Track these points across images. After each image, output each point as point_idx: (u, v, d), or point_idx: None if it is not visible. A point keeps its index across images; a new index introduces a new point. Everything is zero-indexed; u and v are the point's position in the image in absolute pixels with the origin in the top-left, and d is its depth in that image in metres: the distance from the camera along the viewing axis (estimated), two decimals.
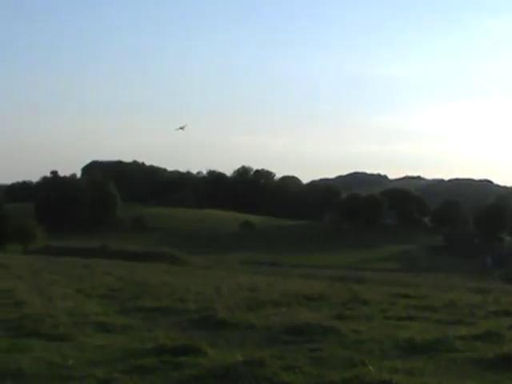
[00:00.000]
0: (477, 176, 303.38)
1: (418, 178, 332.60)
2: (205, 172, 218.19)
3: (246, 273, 43.51)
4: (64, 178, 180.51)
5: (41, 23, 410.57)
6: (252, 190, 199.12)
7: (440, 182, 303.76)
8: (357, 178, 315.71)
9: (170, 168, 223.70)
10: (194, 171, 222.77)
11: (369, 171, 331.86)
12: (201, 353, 10.28)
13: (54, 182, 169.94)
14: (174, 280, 27.81)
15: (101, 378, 8.81)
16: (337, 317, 15.39)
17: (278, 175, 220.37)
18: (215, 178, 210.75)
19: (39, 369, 9.20)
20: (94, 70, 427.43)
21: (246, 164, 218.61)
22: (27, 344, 11.12)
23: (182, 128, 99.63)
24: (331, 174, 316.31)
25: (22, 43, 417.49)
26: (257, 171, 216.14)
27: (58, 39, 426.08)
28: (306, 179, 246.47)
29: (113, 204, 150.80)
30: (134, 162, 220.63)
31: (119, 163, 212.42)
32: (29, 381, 8.71)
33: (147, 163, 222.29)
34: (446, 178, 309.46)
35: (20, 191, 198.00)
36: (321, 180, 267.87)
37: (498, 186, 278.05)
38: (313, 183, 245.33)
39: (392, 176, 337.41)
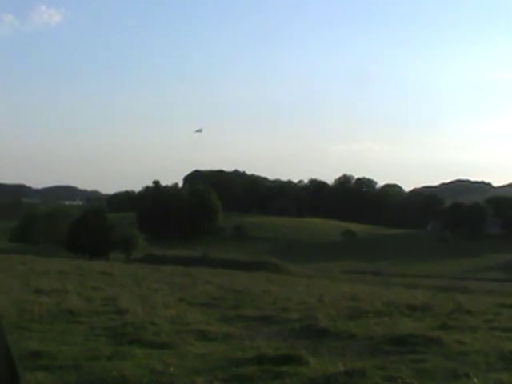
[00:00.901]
0: None
1: None
2: (306, 181, 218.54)
3: (347, 282, 43.16)
4: (166, 187, 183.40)
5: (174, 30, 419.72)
6: (353, 199, 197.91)
7: None
8: (460, 186, 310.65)
9: (271, 177, 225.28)
10: (295, 180, 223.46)
11: (472, 178, 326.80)
12: (302, 362, 10.14)
13: (155, 192, 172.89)
14: (275, 289, 27.74)
15: None
16: (440, 327, 15.00)
17: (380, 183, 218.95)
18: (316, 186, 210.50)
19: (141, 375, 9.24)
20: (198, 81, 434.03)
21: (348, 172, 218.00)
22: (129, 351, 11.21)
23: (199, 131, 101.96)
24: (434, 182, 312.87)
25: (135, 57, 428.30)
26: (358, 179, 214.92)
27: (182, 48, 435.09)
28: (408, 187, 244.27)
29: (214, 213, 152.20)
30: (235, 172, 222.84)
31: (220, 172, 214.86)
32: None
33: (248, 172, 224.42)
34: None
35: (122, 201, 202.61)
36: (423, 188, 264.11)
37: None
38: (415, 191, 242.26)
39: (496, 183, 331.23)
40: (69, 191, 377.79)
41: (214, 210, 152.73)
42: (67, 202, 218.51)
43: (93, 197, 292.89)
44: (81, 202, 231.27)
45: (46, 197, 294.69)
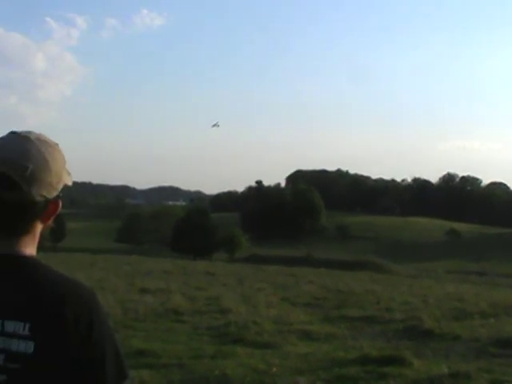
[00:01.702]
0: None
1: None
2: (409, 179, 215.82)
3: (452, 282, 42.24)
4: (268, 187, 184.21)
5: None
6: (458, 197, 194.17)
7: None
8: None
9: (374, 176, 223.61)
10: (399, 179, 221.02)
11: None
12: (405, 363, 9.98)
13: (258, 192, 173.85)
14: (378, 289, 27.45)
15: None
16: None
17: (485, 182, 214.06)
18: (420, 185, 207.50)
19: (243, 375, 9.26)
20: (300, 79, 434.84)
21: (452, 171, 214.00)
22: (232, 350, 11.26)
23: (217, 125, 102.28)
24: None
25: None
26: (463, 177, 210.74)
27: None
28: None
29: (317, 213, 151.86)
30: (338, 171, 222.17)
31: (323, 172, 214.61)
32: None
33: (351, 172, 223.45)
34: None
35: (225, 201, 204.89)
36: None
37: None
38: None
39: None
40: (172, 192, 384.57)
41: (317, 210, 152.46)
42: (170, 203, 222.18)
43: (196, 197, 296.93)
44: (184, 203, 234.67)
45: (149, 197, 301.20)
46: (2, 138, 1.89)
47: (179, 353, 10.88)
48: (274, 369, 9.68)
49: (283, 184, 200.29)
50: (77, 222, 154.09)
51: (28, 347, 1.75)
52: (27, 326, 1.76)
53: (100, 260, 47.85)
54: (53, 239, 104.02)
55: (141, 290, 22.11)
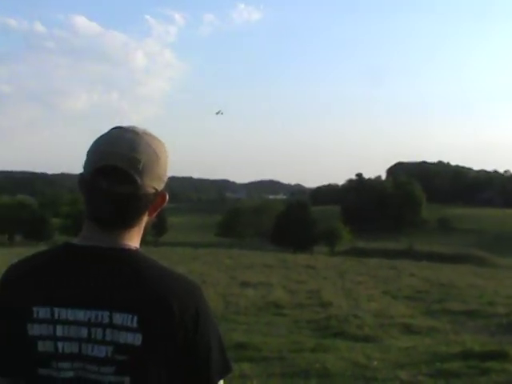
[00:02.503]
0: None
1: None
2: None
3: None
4: (369, 179, 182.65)
5: None
6: None
7: None
8: None
9: (476, 167, 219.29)
10: (501, 170, 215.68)
11: None
12: (509, 359, 9.75)
13: (359, 185, 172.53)
14: (481, 282, 26.89)
15: (405, 380, 8.68)
16: None
17: None
18: None
19: (344, 368, 9.26)
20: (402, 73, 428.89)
21: None
22: (333, 344, 11.26)
23: (220, 113, 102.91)
24: None
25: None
26: None
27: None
28: None
29: (418, 205, 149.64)
30: (440, 163, 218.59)
31: (424, 164, 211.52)
32: (333, 380, 8.79)
33: (452, 163, 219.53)
34: None
35: (326, 194, 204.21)
36: None
37: None
38: None
39: None
40: (272, 185, 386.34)
41: (418, 202, 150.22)
42: (271, 196, 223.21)
43: (296, 190, 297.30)
44: (284, 196, 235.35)
45: (250, 191, 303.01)
46: (110, 133, 1.93)
47: (280, 346, 10.93)
48: (375, 363, 9.64)
49: (384, 176, 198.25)
50: (178, 216, 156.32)
51: (136, 339, 1.79)
52: (135, 318, 1.80)
53: (201, 254, 48.40)
54: (154, 233, 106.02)
55: (242, 284, 22.31)
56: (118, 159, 1.84)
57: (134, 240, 1.95)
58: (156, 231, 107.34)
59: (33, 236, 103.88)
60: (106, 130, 1.97)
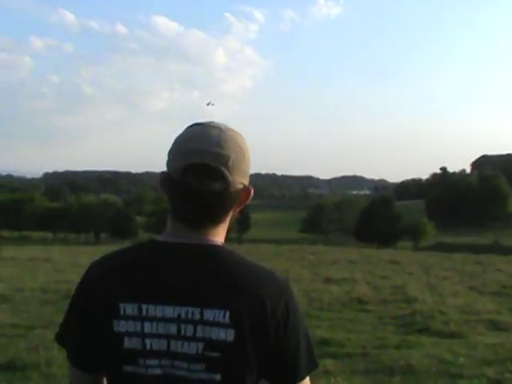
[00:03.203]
0: None
1: None
2: None
3: None
4: (453, 173, 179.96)
5: None
6: None
7: None
8: None
9: None
10: None
11: None
12: None
13: (443, 179, 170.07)
14: None
15: (492, 377, 8.52)
16: None
17: None
18: None
19: (429, 365, 9.14)
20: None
21: None
22: (417, 340, 11.14)
23: (211, 104, 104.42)
24: None
25: None
26: None
27: None
28: None
29: (503, 199, 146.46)
30: None
31: (510, 156, 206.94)
32: (418, 376, 8.69)
33: None
34: None
35: (410, 189, 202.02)
36: None
37: None
38: None
39: None
40: (356, 181, 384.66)
41: (504, 197, 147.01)
42: (354, 192, 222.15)
43: (380, 185, 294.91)
44: (368, 192, 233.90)
45: (333, 187, 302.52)
46: (193, 130, 1.91)
47: (363, 342, 10.88)
48: (461, 359, 9.49)
49: (468, 170, 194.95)
50: (261, 213, 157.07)
51: (228, 335, 1.78)
52: (227, 313, 1.78)
53: (285, 250, 48.53)
54: (238, 230, 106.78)
55: (325, 280, 22.27)
56: (207, 156, 1.83)
57: (220, 236, 1.94)
58: (239, 228, 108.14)
59: (118, 234, 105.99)
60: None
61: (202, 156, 1.83)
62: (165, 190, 1.92)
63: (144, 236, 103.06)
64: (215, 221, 1.92)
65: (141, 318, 1.81)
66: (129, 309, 1.82)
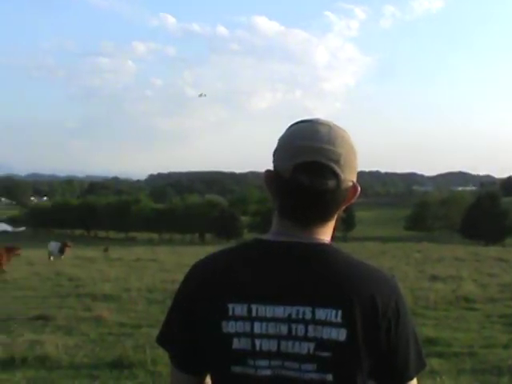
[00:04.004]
0: None
1: None
2: None
3: None
4: None
5: None
6: None
7: None
8: None
9: None
10: None
11: None
12: None
13: None
14: None
15: None
16: None
17: None
18: None
19: None
20: None
21: None
22: None
23: (203, 95, 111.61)
24: None
25: None
26: None
27: None
28: None
29: None
30: None
31: None
32: None
33: None
34: None
35: None
36: None
37: None
38: None
39: None
40: (461, 177, 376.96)
41: None
42: (460, 188, 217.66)
43: (486, 181, 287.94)
44: (474, 188, 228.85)
45: (438, 183, 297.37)
46: (301, 127, 1.88)
47: (470, 341, 10.68)
48: None
49: None
50: (366, 210, 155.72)
51: (340, 335, 1.75)
52: (339, 313, 1.76)
53: (390, 248, 48.09)
54: (343, 228, 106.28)
55: (431, 278, 21.95)
56: (319, 154, 1.81)
57: (327, 235, 1.92)
58: (345, 226, 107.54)
59: (223, 234, 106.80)
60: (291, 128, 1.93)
61: (313, 153, 1.81)
62: (272, 188, 1.90)
63: (248, 236, 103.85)
64: (324, 219, 1.89)
65: (250, 319, 1.79)
66: (238, 309, 1.80)
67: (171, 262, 30.81)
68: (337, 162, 1.81)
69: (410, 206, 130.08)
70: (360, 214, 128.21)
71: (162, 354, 8.48)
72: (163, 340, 2.01)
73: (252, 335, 1.79)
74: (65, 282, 20.19)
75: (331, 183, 1.81)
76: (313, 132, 1.84)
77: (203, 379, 1.97)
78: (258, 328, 1.79)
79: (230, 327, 1.80)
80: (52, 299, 16.14)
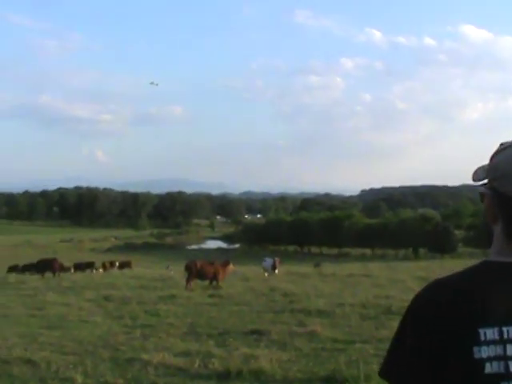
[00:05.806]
0: None
1: None
2: None
3: None
4: None
5: None
6: None
7: None
8: None
9: None
10: None
11: None
12: None
13: None
14: None
15: None
16: None
17: None
18: None
19: None
20: None
21: None
22: None
23: (154, 84, 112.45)
24: None
25: None
26: None
27: None
28: None
29: None
30: None
31: None
32: None
33: None
34: None
35: None
36: None
37: None
38: None
39: None
40: None
41: None
42: None
43: None
44: None
45: None
46: None
47: None
48: None
49: None
50: None
51: None
52: None
53: None
54: None
55: None
56: None
57: None
58: None
59: (436, 249, 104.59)
60: (506, 138, 1.92)
61: None
62: (498, 208, 1.90)
63: (463, 250, 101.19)
64: None
65: (502, 342, 1.78)
66: (489, 333, 1.78)
67: (384, 278, 30.47)
68: None
69: None
70: None
71: (376, 370, 8.34)
72: (389, 371, 1.93)
73: (505, 358, 1.77)
74: (279, 298, 20.47)
75: None
76: None
77: None
78: (510, 350, 1.78)
79: (482, 352, 1.78)
80: (266, 314, 16.44)
